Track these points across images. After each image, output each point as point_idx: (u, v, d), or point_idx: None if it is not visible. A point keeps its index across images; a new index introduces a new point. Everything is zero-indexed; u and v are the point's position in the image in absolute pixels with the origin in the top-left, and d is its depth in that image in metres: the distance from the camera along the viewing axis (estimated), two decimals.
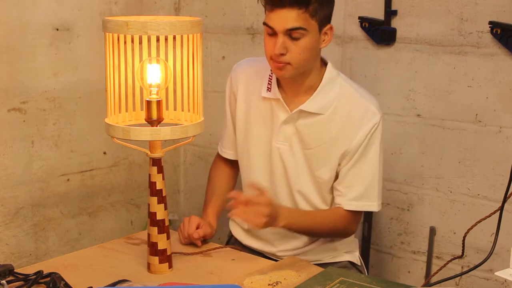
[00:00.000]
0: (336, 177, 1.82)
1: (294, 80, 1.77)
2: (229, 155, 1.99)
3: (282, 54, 1.68)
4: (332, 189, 1.84)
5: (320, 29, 1.71)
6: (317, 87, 1.78)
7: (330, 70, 1.80)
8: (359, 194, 1.80)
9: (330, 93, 1.79)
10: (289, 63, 1.70)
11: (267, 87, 1.83)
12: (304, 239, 1.89)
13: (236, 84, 1.91)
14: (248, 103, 1.88)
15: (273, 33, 1.69)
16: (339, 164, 1.80)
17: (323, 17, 1.71)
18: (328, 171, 1.81)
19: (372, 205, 1.82)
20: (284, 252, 1.90)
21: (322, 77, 1.79)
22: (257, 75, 1.88)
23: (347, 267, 1.91)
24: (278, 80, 1.82)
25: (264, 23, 1.70)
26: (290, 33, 1.67)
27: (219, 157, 2.04)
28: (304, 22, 1.66)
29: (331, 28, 1.75)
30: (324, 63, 1.82)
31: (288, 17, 1.65)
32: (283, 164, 1.83)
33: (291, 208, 1.81)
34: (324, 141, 1.79)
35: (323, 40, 1.74)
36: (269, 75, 1.84)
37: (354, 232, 1.89)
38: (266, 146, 1.85)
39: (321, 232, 1.84)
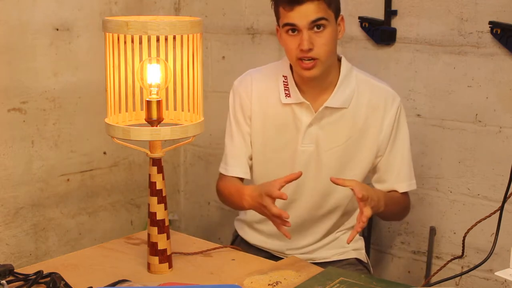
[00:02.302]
0: (371, 168, 1.87)
1: (319, 78, 1.78)
2: (237, 172, 1.91)
3: (310, 49, 1.70)
4: (359, 179, 1.85)
5: (336, 20, 1.76)
6: (336, 82, 1.81)
7: (345, 64, 1.84)
8: (406, 174, 1.87)
9: (349, 86, 1.83)
10: (317, 59, 1.72)
11: (286, 93, 1.83)
12: (314, 236, 1.91)
13: (249, 100, 1.88)
14: (264, 115, 1.87)
15: (295, 32, 1.72)
16: (377, 156, 1.85)
17: (336, 7, 1.76)
18: (359, 164, 1.84)
19: (414, 183, 1.90)
20: (293, 250, 1.91)
21: (339, 72, 1.82)
22: (269, 84, 1.87)
23: (354, 264, 1.93)
24: (297, 84, 1.83)
25: (285, 24, 1.72)
26: (314, 25, 1.70)
27: (224, 176, 1.95)
28: (324, 12, 1.71)
29: (342, 18, 1.80)
30: (337, 58, 1.85)
31: (309, 10, 1.69)
32: (310, 166, 1.84)
33: (382, 192, 1.80)
34: (351, 134, 1.82)
35: (339, 31, 1.79)
36: (284, 81, 1.84)
37: (408, 212, 1.98)
38: (290, 152, 1.85)
39: (399, 214, 1.95)
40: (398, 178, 1.86)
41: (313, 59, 1.72)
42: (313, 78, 1.76)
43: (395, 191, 1.87)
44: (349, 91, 1.82)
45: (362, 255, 1.97)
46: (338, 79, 1.81)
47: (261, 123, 1.88)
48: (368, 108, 1.82)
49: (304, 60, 1.72)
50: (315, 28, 1.71)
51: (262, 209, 1.69)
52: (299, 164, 1.84)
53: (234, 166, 1.91)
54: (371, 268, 2.01)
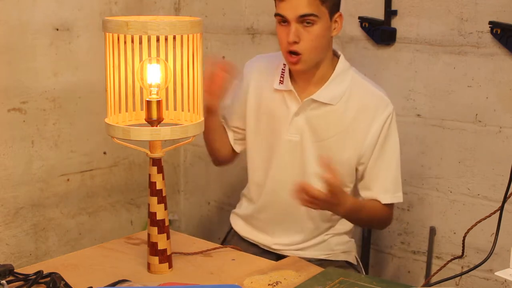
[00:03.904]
0: (356, 172, 1.86)
1: (308, 72, 1.79)
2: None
3: (295, 42, 1.72)
4: (345, 182, 1.86)
5: (330, 17, 1.75)
6: (329, 77, 1.81)
7: (342, 61, 1.84)
8: (391, 186, 1.84)
9: (342, 84, 1.82)
10: (301, 54, 1.73)
11: (280, 80, 1.86)
12: (303, 234, 1.91)
13: (247, 80, 1.93)
14: (259, 98, 1.91)
15: (285, 23, 1.73)
16: (359, 162, 1.83)
17: (333, 4, 1.75)
18: (340, 164, 1.83)
19: (400, 196, 1.86)
20: (280, 245, 1.92)
21: (334, 68, 1.82)
22: (269, 69, 1.91)
23: (344, 266, 1.93)
24: (291, 73, 1.85)
25: (276, 14, 1.75)
26: (303, 20, 1.71)
27: None
28: (315, 8, 1.70)
29: (340, 15, 1.79)
30: (336, 55, 1.85)
31: (300, 4, 1.70)
32: (294, 157, 1.85)
33: (353, 200, 1.79)
34: (336, 132, 1.82)
35: (334, 28, 1.78)
36: (282, 69, 1.87)
37: (390, 223, 1.95)
38: (277, 139, 1.87)
39: (370, 224, 1.97)
40: (381, 189, 1.84)
41: (297, 53, 1.73)
42: (299, 72, 1.79)
43: (378, 201, 1.85)
44: (340, 89, 1.82)
45: (352, 257, 1.96)
46: (331, 75, 1.82)
47: (256, 107, 1.91)
48: (358, 110, 1.81)
49: (291, 54, 1.74)
50: (304, 23, 1.71)
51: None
52: (283, 152, 1.86)
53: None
54: (363, 271, 2.00)
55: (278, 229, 1.92)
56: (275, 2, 1.77)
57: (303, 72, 1.79)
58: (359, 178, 1.88)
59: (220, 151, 2.01)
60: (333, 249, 1.93)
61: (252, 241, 1.98)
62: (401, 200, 1.87)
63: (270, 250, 1.93)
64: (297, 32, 1.71)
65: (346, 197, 1.72)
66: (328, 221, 1.91)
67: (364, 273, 2.01)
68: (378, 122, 1.80)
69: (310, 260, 1.80)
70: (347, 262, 1.95)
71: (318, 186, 1.83)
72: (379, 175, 1.83)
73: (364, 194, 1.86)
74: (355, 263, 1.97)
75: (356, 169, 1.85)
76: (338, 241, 1.94)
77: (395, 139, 1.84)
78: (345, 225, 1.93)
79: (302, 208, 1.87)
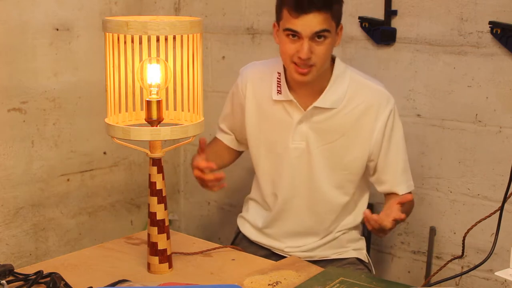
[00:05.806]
0: (367, 168, 1.87)
1: (311, 81, 1.78)
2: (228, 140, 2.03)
3: (308, 58, 1.71)
4: (355, 179, 1.87)
5: (336, 29, 1.77)
6: (328, 82, 1.81)
7: (338, 64, 1.84)
8: (402, 177, 1.86)
9: (341, 86, 1.82)
10: (313, 65, 1.73)
11: (277, 90, 1.84)
12: (314, 237, 1.92)
13: (243, 91, 1.92)
14: (258, 108, 1.90)
15: (294, 37, 1.72)
16: (369, 159, 1.84)
17: (338, 18, 1.77)
18: (351, 164, 1.85)
19: (412, 184, 1.89)
20: (292, 248, 1.92)
21: (332, 73, 1.82)
22: (264, 79, 1.89)
23: (355, 263, 1.94)
24: (287, 82, 1.84)
25: (287, 29, 1.71)
26: (316, 36, 1.70)
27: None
28: (328, 24, 1.71)
29: (341, 28, 1.80)
30: (332, 59, 1.85)
31: (314, 21, 1.69)
32: (302, 164, 1.85)
33: (403, 211, 1.76)
34: (343, 133, 1.83)
35: (336, 40, 1.79)
36: (278, 78, 1.85)
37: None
38: (283, 148, 1.87)
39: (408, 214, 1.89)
40: (395, 181, 1.86)
41: (308, 65, 1.73)
42: (306, 83, 1.77)
43: (396, 193, 1.86)
44: (340, 92, 1.82)
45: (362, 254, 1.97)
46: (330, 79, 1.82)
47: (256, 118, 1.91)
48: (361, 109, 1.82)
49: (300, 65, 1.73)
50: (316, 38, 1.71)
51: (200, 182, 1.79)
52: (291, 161, 1.86)
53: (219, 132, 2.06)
54: (372, 268, 2.01)
55: (292, 234, 1.93)
56: (282, 14, 1.74)
57: (308, 82, 1.78)
58: (371, 173, 1.89)
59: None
60: (343, 246, 1.94)
61: (262, 245, 1.98)
62: (413, 188, 1.89)
63: (282, 253, 1.93)
64: (310, 48, 1.71)
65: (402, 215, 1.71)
66: (340, 215, 1.92)
67: (374, 271, 2.02)
68: (382, 118, 1.82)
69: (322, 261, 1.80)
70: (358, 259, 1.96)
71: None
72: (390, 169, 1.85)
73: (380, 188, 1.89)
74: (366, 260, 1.98)
75: (367, 165, 1.87)
76: (349, 238, 1.95)
77: (400, 130, 1.86)
78: (355, 219, 1.95)
79: (316, 209, 1.89)
